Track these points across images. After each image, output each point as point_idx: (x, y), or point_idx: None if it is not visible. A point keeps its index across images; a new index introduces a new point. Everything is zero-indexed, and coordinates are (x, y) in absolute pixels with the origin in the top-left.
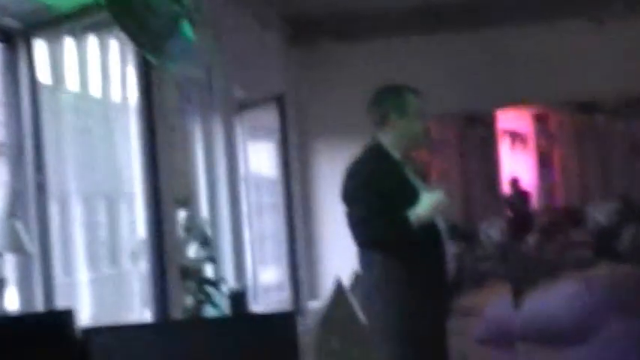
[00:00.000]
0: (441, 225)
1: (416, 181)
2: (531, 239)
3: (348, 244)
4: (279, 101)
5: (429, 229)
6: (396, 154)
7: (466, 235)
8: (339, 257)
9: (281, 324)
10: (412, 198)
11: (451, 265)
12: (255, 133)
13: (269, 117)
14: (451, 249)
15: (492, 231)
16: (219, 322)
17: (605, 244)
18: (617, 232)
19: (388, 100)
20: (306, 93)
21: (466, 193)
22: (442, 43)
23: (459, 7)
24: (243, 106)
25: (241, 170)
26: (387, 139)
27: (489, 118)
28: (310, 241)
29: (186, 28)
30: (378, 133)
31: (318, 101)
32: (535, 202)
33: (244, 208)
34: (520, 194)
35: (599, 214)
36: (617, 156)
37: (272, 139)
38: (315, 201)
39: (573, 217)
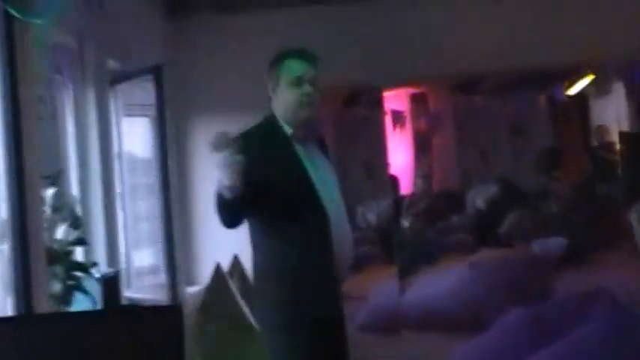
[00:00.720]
0: (334, 208)
1: (307, 161)
2: (406, 223)
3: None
4: (156, 74)
5: (313, 209)
6: (287, 128)
7: None
8: (218, 240)
9: (165, 319)
10: (293, 179)
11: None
12: (130, 109)
13: (144, 91)
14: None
15: (370, 215)
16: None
17: (485, 229)
18: (498, 216)
19: (276, 65)
20: (184, 67)
21: (343, 175)
22: (326, 15)
23: None
24: (117, 79)
25: (115, 147)
26: (277, 110)
27: (373, 96)
28: (187, 223)
29: None
30: (272, 104)
31: (196, 75)
32: (411, 186)
33: (117, 187)
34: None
35: (479, 198)
36: (497, 138)
37: (147, 114)
38: (193, 180)
39: (453, 201)
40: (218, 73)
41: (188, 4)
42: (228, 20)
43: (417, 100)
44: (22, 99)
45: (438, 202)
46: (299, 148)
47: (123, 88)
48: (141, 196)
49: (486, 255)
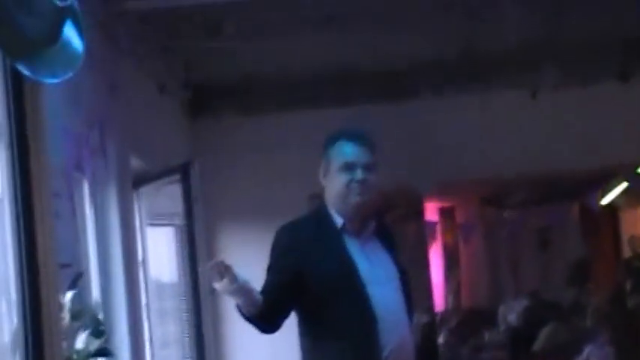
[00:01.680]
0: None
1: (360, 256)
2: (440, 340)
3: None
4: (184, 172)
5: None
6: (338, 218)
7: None
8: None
9: None
10: (339, 275)
11: None
12: (154, 218)
13: (170, 198)
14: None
15: None
16: None
17: (519, 345)
18: (531, 331)
19: (328, 148)
20: (209, 168)
21: None
22: (355, 116)
23: (374, 76)
24: (141, 181)
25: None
26: (328, 199)
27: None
28: (219, 342)
29: (72, 33)
30: (324, 192)
31: (221, 178)
32: (442, 301)
33: (143, 297)
34: None
35: (511, 313)
36: (527, 252)
37: (173, 224)
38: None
39: (483, 316)
40: (242, 176)
41: (211, 104)
42: (254, 120)
43: (445, 213)
44: (34, 194)
45: (469, 318)
46: (351, 241)
47: (147, 191)
48: (168, 320)
49: None
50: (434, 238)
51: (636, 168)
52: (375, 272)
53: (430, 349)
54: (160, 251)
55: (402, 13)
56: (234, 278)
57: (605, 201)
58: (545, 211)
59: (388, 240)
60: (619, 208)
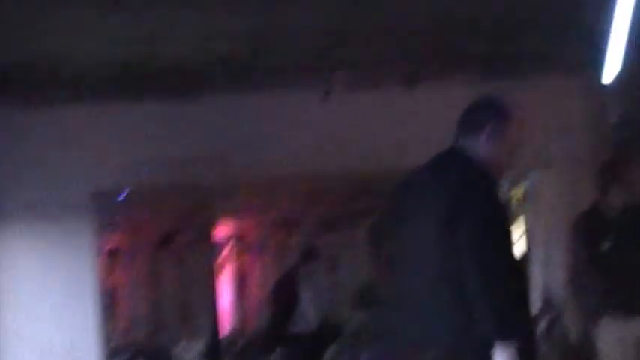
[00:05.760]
0: None
1: None
2: None
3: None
4: None
5: None
6: None
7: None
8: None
9: None
10: None
11: None
12: None
13: None
14: None
15: (188, 355)
16: None
17: None
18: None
19: None
20: None
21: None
22: (148, 112)
23: (162, 71)
24: None
25: None
26: None
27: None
28: None
29: None
30: None
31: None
32: (232, 324)
33: None
34: None
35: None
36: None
37: None
38: None
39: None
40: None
41: None
42: (37, 113)
43: (235, 237)
44: None
45: (257, 341)
46: None
47: None
48: None
49: None
50: (225, 261)
51: None
52: None
53: None
54: None
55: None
56: None
57: None
58: (335, 233)
59: None
60: None
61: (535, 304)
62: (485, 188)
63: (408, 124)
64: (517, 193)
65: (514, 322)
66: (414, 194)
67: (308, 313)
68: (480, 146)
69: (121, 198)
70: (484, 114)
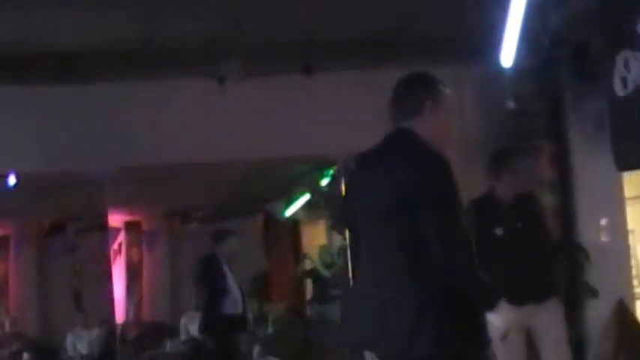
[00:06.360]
0: None
1: None
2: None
3: None
4: None
5: None
6: None
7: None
8: None
9: None
10: None
11: None
12: None
13: None
14: None
15: (80, 344)
16: None
17: (199, 355)
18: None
19: None
20: None
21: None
22: (36, 97)
23: (50, 55)
24: None
25: None
26: None
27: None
28: None
29: None
30: None
31: None
32: (123, 315)
33: None
34: None
35: (192, 324)
36: None
37: None
38: None
39: (165, 328)
40: None
41: None
42: None
43: (130, 226)
44: None
45: (149, 331)
46: None
47: None
48: None
49: None
50: (118, 250)
51: (320, 174)
52: None
53: None
54: None
55: None
56: None
57: (288, 213)
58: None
59: None
60: (301, 220)
61: None
62: (442, 163)
63: (304, 111)
64: None
65: (487, 285)
66: (370, 174)
67: (236, 294)
68: (423, 124)
69: (7, 185)
70: (420, 93)
